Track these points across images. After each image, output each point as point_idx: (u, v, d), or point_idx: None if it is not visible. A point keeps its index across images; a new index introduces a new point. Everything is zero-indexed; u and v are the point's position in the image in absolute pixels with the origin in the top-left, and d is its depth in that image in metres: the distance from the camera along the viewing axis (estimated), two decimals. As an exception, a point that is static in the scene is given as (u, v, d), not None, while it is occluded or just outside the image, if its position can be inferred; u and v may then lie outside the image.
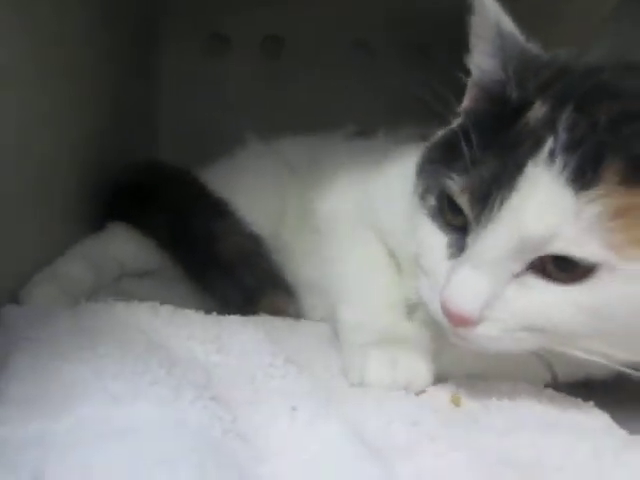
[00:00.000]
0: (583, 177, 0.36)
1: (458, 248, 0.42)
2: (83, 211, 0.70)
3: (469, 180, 0.40)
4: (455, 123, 0.47)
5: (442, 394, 0.48)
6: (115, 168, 0.74)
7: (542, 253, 0.38)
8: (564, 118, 0.38)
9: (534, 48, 0.45)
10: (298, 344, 0.55)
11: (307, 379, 0.45)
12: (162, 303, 0.57)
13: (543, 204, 0.37)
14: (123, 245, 0.69)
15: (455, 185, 0.41)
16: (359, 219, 0.60)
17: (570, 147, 0.37)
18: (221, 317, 0.56)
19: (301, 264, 0.68)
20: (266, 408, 0.40)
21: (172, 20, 1.03)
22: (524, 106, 0.40)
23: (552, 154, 0.37)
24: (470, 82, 0.47)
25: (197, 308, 0.60)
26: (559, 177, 0.37)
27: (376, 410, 0.41)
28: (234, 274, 0.66)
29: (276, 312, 0.64)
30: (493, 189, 0.39)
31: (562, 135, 0.38)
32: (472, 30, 0.45)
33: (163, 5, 1.01)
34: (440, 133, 0.48)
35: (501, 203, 0.38)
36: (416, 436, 0.39)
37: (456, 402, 0.47)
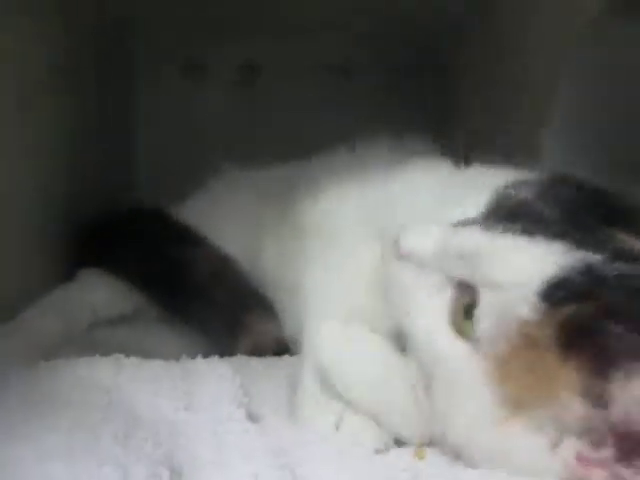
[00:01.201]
0: (559, 298, 0.36)
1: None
2: (55, 256, 0.69)
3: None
4: None
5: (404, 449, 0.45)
6: (92, 204, 0.73)
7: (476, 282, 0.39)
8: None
9: None
10: (272, 390, 0.53)
11: (272, 436, 0.43)
12: (138, 348, 0.56)
13: (535, 265, 0.38)
14: (96, 291, 0.67)
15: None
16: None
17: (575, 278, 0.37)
18: (191, 365, 0.54)
19: (281, 291, 0.67)
20: (229, 471, 0.39)
21: (148, 50, 1.03)
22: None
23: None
24: None
25: (177, 347, 0.58)
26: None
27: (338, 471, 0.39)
28: (210, 297, 0.66)
29: (259, 334, 0.64)
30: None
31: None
32: None
33: (139, 36, 1.00)
34: None
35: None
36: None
37: (420, 455, 0.45)
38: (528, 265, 0.37)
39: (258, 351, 0.63)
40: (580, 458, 0.34)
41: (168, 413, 0.45)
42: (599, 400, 0.33)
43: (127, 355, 0.53)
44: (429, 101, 1.03)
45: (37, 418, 0.38)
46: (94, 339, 0.64)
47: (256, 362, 0.60)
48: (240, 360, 0.60)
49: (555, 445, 0.35)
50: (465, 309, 0.39)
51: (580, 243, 0.38)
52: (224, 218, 0.73)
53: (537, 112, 0.81)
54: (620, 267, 0.36)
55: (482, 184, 0.49)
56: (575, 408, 0.34)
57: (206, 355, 0.58)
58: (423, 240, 0.43)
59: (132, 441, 0.38)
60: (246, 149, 0.93)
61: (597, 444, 0.34)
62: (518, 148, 0.84)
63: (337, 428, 0.44)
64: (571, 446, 0.34)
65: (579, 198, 0.43)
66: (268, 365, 0.60)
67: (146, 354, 0.62)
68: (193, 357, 0.57)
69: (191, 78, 1.05)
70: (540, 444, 0.35)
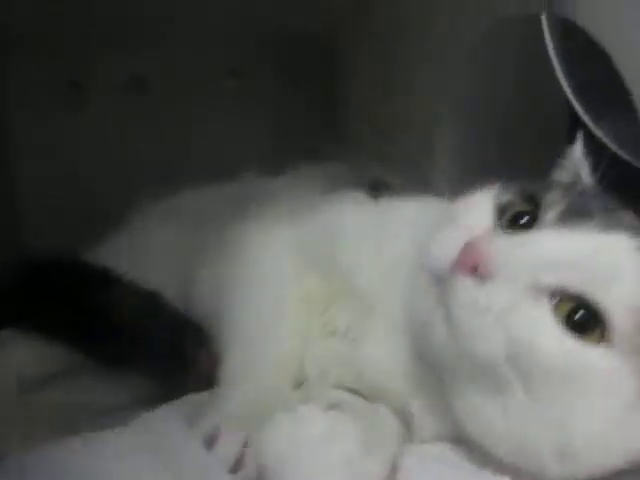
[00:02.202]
0: None
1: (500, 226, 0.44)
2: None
3: (572, 198, 0.43)
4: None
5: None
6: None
7: (582, 290, 0.40)
8: None
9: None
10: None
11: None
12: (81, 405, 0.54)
13: (623, 257, 0.40)
14: (18, 351, 0.63)
15: (552, 197, 0.44)
16: (295, 256, 0.59)
17: None
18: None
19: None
20: None
21: (24, 76, 0.94)
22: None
23: None
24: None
25: (118, 394, 0.57)
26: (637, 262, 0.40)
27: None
28: (143, 335, 0.64)
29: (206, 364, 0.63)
30: (588, 216, 0.41)
31: None
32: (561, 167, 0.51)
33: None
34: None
35: (590, 228, 0.41)
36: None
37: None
38: (630, 254, 0.40)
39: (207, 380, 0.63)
40: None
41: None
42: None
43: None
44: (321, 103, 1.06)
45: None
46: (30, 405, 0.61)
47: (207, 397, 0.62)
48: (190, 400, 0.61)
49: None
50: (568, 314, 0.40)
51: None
52: (148, 254, 0.71)
53: (428, 111, 0.87)
54: None
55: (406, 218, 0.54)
56: None
57: (150, 397, 0.59)
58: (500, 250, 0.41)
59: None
60: (146, 164, 0.91)
61: None
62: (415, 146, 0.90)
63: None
64: None
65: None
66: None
67: (92, 409, 0.62)
68: (138, 403, 0.57)
69: (75, 101, 0.99)
70: None
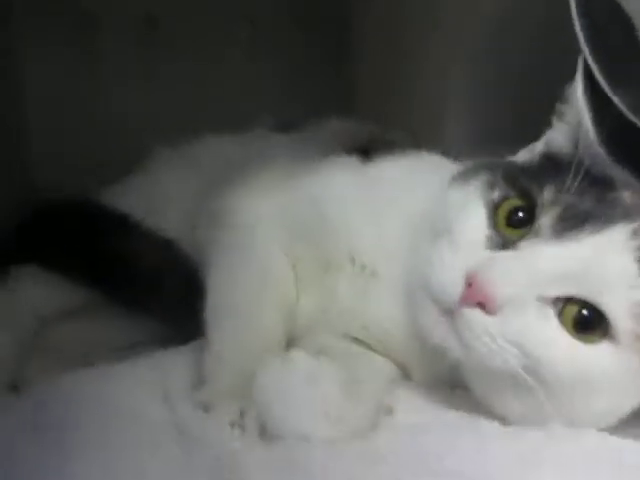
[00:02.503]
0: None
1: (497, 245, 0.45)
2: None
3: (566, 198, 0.44)
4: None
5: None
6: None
7: (583, 296, 0.42)
8: None
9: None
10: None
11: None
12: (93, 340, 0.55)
13: (618, 261, 0.42)
14: (37, 287, 0.64)
15: (548, 194, 0.44)
16: (284, 224, 0.59)
17: None
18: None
19: None
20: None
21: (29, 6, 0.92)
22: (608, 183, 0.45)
23: (636, 233, 0.42)
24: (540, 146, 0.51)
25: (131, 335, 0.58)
26: (634, 252, 0.42)
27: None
28: (160, 286, 0.65)
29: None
30: (585, 220, 0.43)
31: None
32: (558, 110, 0.50)
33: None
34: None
35: (588, 233, 0.42)
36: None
37: (388, 411, 0.52)
38: (624, 256, 0.42)
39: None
40: None
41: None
42: None
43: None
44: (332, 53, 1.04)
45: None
46: (48, 340, 0.63)
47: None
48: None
49: None
50: (574, 317, 0.42)
51: None
52: (163, 201, 0.72)
53: (441, 77, 0.86)
54: None
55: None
56: None
57: (163, 339, 0.61)
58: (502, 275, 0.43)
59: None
60: (154, 107, 0.91)
61: None
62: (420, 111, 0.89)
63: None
64: None
65: None
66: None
67: (107, 346, 0.64)
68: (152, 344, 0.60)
69: (85, 34, 0.96)
70: None
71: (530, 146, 0.53)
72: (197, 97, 0.97)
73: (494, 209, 0.47)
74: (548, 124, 0.52)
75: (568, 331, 0.43)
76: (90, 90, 0.95)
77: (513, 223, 0.46)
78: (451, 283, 0.44)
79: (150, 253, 0.67)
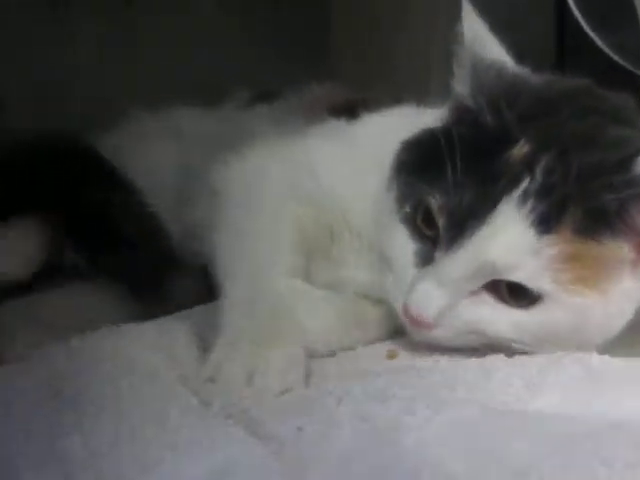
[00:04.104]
0: (547, 223, 0.43)
1: (425, 258, 0.48)
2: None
3: (449, 201, 0.45)
4: (434, 123, 0.50)
5: (378, 351, 0.54)
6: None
7: (499, 278, 0.45)
8: (543, 164, 0.44)
9: (515, 72, 0.49)
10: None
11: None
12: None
13: (509, 240, 0.44)
14: (26, 239, 0.61)
15: (436, 203, 0.46)
16: (289, 187, 0.60)
17: (541, 193, 0.43)
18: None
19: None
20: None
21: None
22: (506, 137, 0.45)
23: (525, 196, 0.43)
24: (450, 103, 0.51)
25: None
26: (527, 219, 0.43)
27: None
28: (136, 253, 0.64)
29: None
30: (468, 217, 0.44)
31: (537, 179, 0.43)
32: (455, 57, 0.49)
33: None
34: (416, 132, 0.51)
35: (473, 232, 0.44)
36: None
37: (392, 356, 0.53)
38: (517, 228, 0.44)
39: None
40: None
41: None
42: None
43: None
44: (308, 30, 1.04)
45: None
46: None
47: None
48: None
49: None
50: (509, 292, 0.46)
51: None
52: (147, 159, 0.71)
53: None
54: None
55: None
56: None
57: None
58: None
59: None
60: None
61: None
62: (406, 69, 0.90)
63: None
64: None
65: None
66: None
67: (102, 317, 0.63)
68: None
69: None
70: None
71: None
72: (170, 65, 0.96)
73: (413, 220, 0.49)
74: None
75: (509, 304, 0.46)
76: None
77: (429, 223, 0.48)
78: (398, 313, 0.49)
79: (133, 219, 0.66)
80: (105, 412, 0.40)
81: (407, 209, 0.49)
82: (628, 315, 0.47)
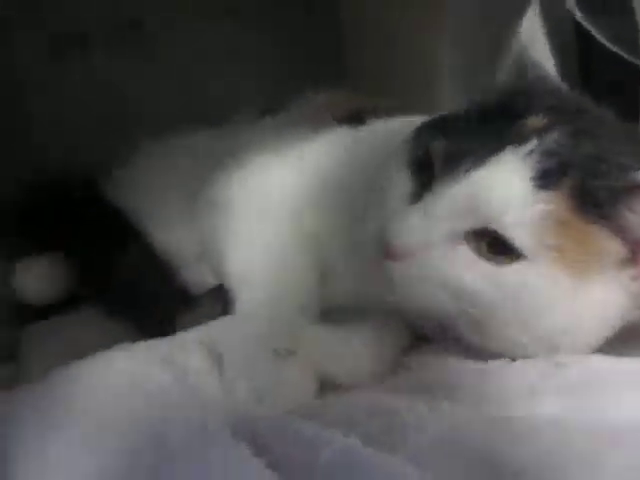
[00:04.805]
0: (547, 179, 0.43)
1: (418, 196, 0.47)
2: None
3: (452, 144, 0.46)
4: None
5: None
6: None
7: (485, 225, 0.44)
8: (554, 135, 0.44)
9: (554, 81, 0.52)
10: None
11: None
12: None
13: (506, 184, 0.43)
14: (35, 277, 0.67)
15: (439, 145, 0.47)
16: (291, 195, 0.60)
17: (548, 154, 0.43)
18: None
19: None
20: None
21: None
22: (526, 110, 0.46)
23: (531, 152, 0.43)
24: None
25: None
26: (527, 170, 0.43)
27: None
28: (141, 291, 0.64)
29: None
30: (468, 159, 0.44)
31: (547, 143, 0.44)
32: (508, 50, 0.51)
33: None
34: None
35: (470, 171, 0.44)
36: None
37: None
38: (515, 178, 0.43)
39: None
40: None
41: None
42: None
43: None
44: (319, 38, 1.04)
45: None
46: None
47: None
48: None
49: None
50: (488, 247, 0.45)
51: None
52: (154, 192, 0.71)
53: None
54: None
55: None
56: None
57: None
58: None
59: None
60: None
61: None
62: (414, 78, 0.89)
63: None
64: None
65: None
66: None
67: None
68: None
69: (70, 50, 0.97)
70: None
71: None
72: (184, 90, 0.98)
73: (417, 164, 0.49)
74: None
75: (486, 259, 0.44)
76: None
77: (429, 170, 0.48)
78: (373, 241, 0.48)
79: (144, 268, 0.67)
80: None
81: (419, 153, 0.49)
82: (603, 323, 0.46)
